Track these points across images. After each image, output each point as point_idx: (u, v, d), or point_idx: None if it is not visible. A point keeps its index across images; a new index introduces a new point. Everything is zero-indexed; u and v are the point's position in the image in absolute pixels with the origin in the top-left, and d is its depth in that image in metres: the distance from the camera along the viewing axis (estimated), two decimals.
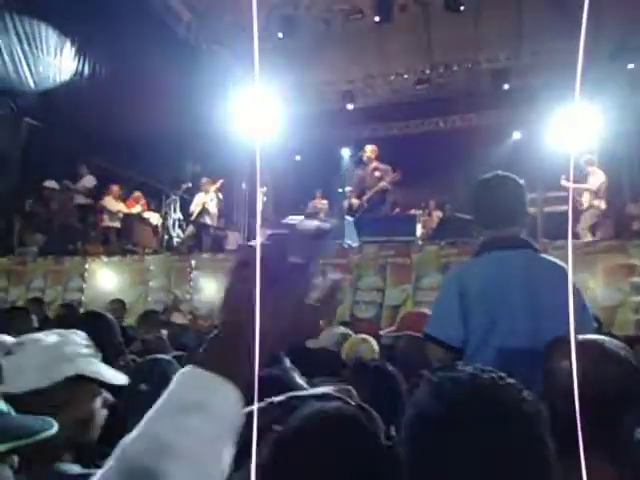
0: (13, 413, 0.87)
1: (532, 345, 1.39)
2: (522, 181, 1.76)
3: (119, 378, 1.17)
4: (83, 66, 8.36)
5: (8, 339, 1.34)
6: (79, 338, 1.17)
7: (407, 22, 8.94)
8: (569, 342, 1.12)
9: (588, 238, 6.00)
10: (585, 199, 6.64)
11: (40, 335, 1.14)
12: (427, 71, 10.23)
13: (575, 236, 5.93)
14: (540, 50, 9.47)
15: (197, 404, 0.43)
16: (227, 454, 0.44)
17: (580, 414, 0.94)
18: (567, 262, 4.32)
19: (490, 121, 11.27)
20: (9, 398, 0.89)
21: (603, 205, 6.62)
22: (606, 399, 0.94)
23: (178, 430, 0.42)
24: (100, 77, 8.70)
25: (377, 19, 8.68)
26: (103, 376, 1.13)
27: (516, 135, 11.25)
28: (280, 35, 8.80)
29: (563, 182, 6.63)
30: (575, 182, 6.59)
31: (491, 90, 10.20)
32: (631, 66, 9.05)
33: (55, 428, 0.85)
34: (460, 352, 1.59)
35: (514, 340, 1.51)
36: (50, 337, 1.13)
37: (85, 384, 1.10)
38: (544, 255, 1.70)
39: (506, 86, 9.76)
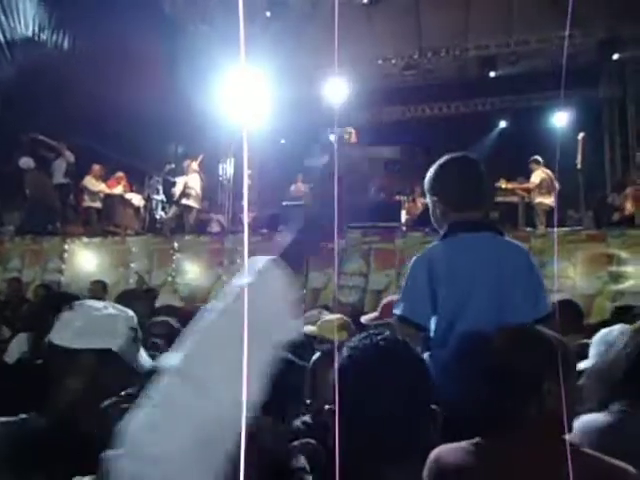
0: None
1: (494, 322, 1.44)
2: (481, 164, 1.76)
3: (146, 366, 1.21)
4: (62, 42, 8.10)
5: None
6: (132, 319, 1.23)
7: (396, 5, 8.84)
8: (514, 331, 1.24)
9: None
10: (533, 196, 7.14)
11: (102, 304, 1.22)
12: (415, 56, 10.15)
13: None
14: (530, 39, 9.47)
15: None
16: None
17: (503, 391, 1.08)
18: (550, 250, 4.36)
19: (477, 109, 11.30)
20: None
21: (547, 200, 7.06)
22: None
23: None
24: (81, 54, 8.45)
25: (365, 1, 8.56)
26: (136, 360, 1.19)
27: (502, 123, 11.32)
28: (268, 14, 8.62)
29: (502, 184, 7.38)
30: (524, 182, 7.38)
31: (479, 77, 10.20)
32: (615, 57, 9.11)
33: None
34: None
35: (480, 321, 1.53)
36: (108, 309, 1.20)
37: (113, 361, 1.14)
38: (507, 238, 1.72)
39: (492, 74, 9.76)
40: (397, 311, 1.66)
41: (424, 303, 1.61)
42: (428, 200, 1.85)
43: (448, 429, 1.18)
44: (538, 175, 7.14)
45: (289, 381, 1.50)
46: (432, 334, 1.63)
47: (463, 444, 1.11)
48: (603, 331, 1.58)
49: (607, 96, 10.20)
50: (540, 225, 6.60)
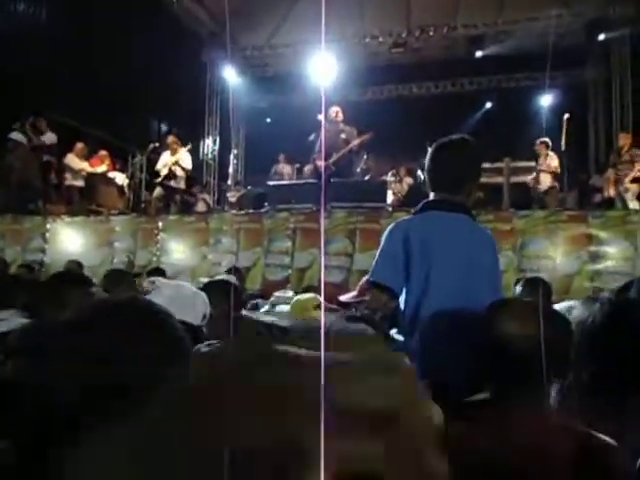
0: None
1: (462, 299, 1.51)
2: (478, 147, 1.79)
3: None
4: (40, 13, 7.85)
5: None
6: (206, 300, 1.33)
7: None
8: (513, 304, 1.24)
9: None
10: (545, 180, 7.01)
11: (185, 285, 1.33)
12: (404, 34, 10.04)
13: (541, 208, 6.20)
14: (519, 18, 9.40)
15: None
16: None
17: (528, 368, 1.05)
18: (531, 230, 4.41)
19: (464, 88, 11.25)
20: None
21: (558, 186, 7.09)
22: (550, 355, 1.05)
23: None
24: (61, 27, 8.21)
25: None
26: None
27: (488, 104, 11.31)
28: None
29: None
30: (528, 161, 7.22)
31: (467, 57, 10.14)
32: (601, 37, 9.11)
33: None
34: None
35: (448, 298, 1.57)
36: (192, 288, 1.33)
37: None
38: (475, 221, 1.79)
39: (479, 53, 9.71)
40: (372, 277, 1.69)
41: (397, 270, 1.64)
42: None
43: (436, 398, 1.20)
44: (555, 158, 7.06)
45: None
46: (402, 306, 1.67)
47: (449, 419, 1.13)
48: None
49: (593, 77, 10.24)
50: (550, 208, 6.55)
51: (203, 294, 1.36)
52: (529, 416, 1.03)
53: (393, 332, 1.69)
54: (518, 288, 2.98)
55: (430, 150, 1.81)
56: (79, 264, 4.81)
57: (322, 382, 0.24)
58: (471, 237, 1.70)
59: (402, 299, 1.66)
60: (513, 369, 1.10)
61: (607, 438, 1.00)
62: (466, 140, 1.79)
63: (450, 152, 1.77)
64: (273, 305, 2.75)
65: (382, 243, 1.73)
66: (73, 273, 2.56)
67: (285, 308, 2.63)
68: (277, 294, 2.84)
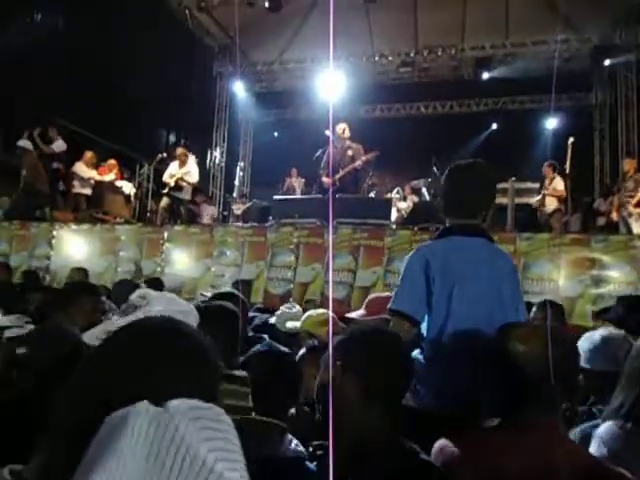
0: None
1: (484, 323, 1.52)
2: (493, 171, 1.82)
3: None
4: (54, 24, 8.01)
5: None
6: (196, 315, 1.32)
7: (394, 3, 8.85)
8: (523, 327, 1.26)
9: None
10: (550, 203, 7.06)
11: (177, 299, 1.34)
12: (412, 54, 10.18)
13: (543, 230, 6.22)
14: (525, 41, 9.53)
15: None
16: None
17: (534, 386, 1.08)
18: (535, 252, 4.42)
19: (470, 109, 11.36)
20: None
21: (563, 209, 7.16)
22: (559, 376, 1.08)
23: None
24: (74, 38, 8.36)
25: None
26: None
27: (494, 125, 11.41)
28: (267, 4, 8.57)
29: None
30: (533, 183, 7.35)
31: (473, 78, 10.25)
32: (607, 62, 9.21)
33: None
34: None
35: (471, 321, 1.59)
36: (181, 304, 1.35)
37: None
38: (496, 245, 1.81)
39: (487, 74, 9.82)
40: (393, 305, 1.70)
41: (419, 297, 1.66)
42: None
43: (446, 422, 1.22)
44: (561, 182, 7.11)
45: (286, 374, 1.54)
46: (425, 331, 1.69)
47: (467, 437, 1.14)
48: (599, 335, 1.64)
49: (599, 102, 10.32)
50: (555, 231, 6.56)
51: (193, 308, 1.35)
52: (540, 439, 1.04)
53: (415, 353, 1.71)
54: (534, 310, 2.98)
55: (445, 174, 1.84)
56: (85, 271, 4.84)
57: None
58: (492, 261, 1.73)
59: (424, 325, 1.68)
60: (522, 391, 1.11)
61: (623, 470, 1.00)
62: (481, 164, 1.81)
63: (466, 176, 1.79)
64: (283, 320, 2.74)
65: (403, 271, 1.75)
66: (84, 283, 2.58)
67: (296, 324, 2.62)
68: (284, 309, 2.83)
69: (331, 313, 2.55)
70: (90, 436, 0.50)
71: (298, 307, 2.87)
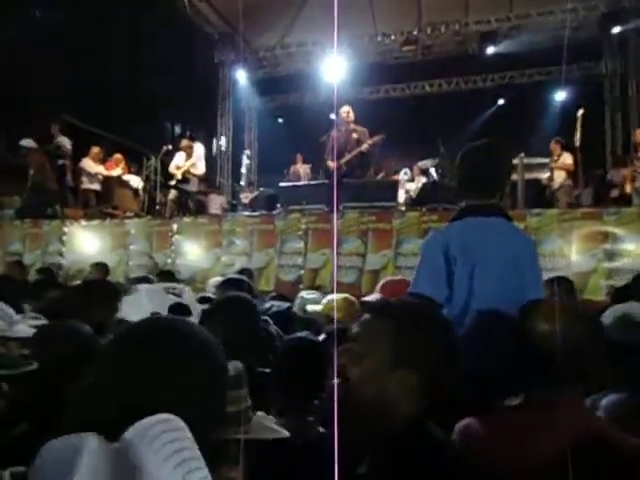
0: None
1: (505, 303, 1.49)
2: (508, 149, 1.80)
3: None
4: (55, 19, 7.99)
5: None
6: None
7: None
8: (546, 306, 1.23)
9: None
10: (558, 177, 6.96)
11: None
12: (415, 32, 9.99)
13: (553, 206, 6.15)
14: (531, 12, 9.29)
15: None
16: None
17: (557, 367, 1.06)
18: (545, 228, 4.37)
19: (477, 85, 11.16)
20: None
21: (572, 183, 7.09)
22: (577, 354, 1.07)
23: None
24: (75, 33, 8.33)
25: None
26: None
27: (501, 100, 11.20)
28: None
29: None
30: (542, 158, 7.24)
31: (478, 53, 10.04)
32: (617, 30, 8.95)
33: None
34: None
35: (491, 301, 1.58)
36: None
37: None
38: (514, 224, 1.80)
39: (492, 49, 9.60)
40: (413, 289, 1.70)
41: (439, 279, 1.66)
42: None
43: (472, 402, 1.21)
44: (570, 157, 7.04)
45: (312, 361, 1.54)
46: (445, 313, 1.67)
47: (490, 416, 1.13)
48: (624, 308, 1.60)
49: (609, 71, 10.05)
50: (563, 206, 6.52)
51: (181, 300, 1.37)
52: (565, 417, 1.02)
53: None
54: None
55: (460, 155, 1.82)
56: (105, 266, 4.91)
57: None
58: (512, 240, 1.72)
59: (445, 308, 1.67)
60: (545, 370, 1.10)
61: None
62: (495, 143, 1.80)
63: (481, 156, 1.78)
64: (303, 305, 2.76)
65: (422, 253, 1.75)
66: (102, 281, 2.59)
67: (317, 308, 2.64)
68: (304, 294, 2.85)
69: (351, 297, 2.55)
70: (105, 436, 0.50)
71: (318, 292, 2.89)
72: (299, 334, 1.86)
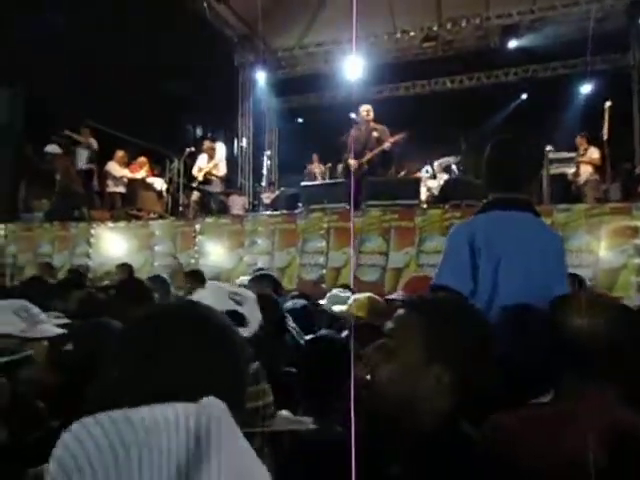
0: None
1: (531, 297, 1.47)
2: (537, 143, 1.78)
3: None
4: (78, 24, 8.16)
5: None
6: None
7: None
8: (578, 300, 1.20)
9: None
10: (585, 171, 6.81)
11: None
12: (435, 27, 9.88)
13: (579, 201, 6.02)
14: (555, 4, 9.09)
15: None
16: None
17: (591, 361, 1.04)
18: (573, 224, 4.28)
19: (499, 80, 10.97)
20: None
21: (598, 178, 6.98)
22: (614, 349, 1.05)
23: None
24: (97, 37, 8.50)
25: None
26: None
27: (524, 95, 10.99)
28: None
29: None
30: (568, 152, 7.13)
31: (500, 47, 9.87)
32: None
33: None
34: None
35: (516, 296, 1.55)
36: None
37: None
38: (541, 219, 1.78)
39: (514, 43, 9.41)
40: (437, 281, 1.68)
41: (464, 272, 1.64)
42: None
43: (501, 397, 1.19)
44: (595, 151, 6.96)
45: (335, 359, 1.54)
46: None
47: (521, 412, 1.11)
48: None
49: (637, 62, 9.76)
50: (590, 201, 6.38)
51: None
52: (598, 412, 1.00)
53: None
54: None
55: (488, 148, 1.80)
56: (130, 267, 5.01)
57: None
58: (539, 235, 1.69)
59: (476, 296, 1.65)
60: (578, 365, 1.07)
61: None
62: (524, 136, 1.79)
63: (509, 149, 1.76)
64: (331, 302, 2.77)
65: (446, 245, 1.73)
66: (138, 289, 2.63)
67: (343, 307, 2.65)
68: (336, 291, 2.86)
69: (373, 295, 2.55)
70: None
71: (349, 292, 2.89)
72: (322, 332, 1.86)
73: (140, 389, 0.59)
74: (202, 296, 1.21)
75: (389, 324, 1.03)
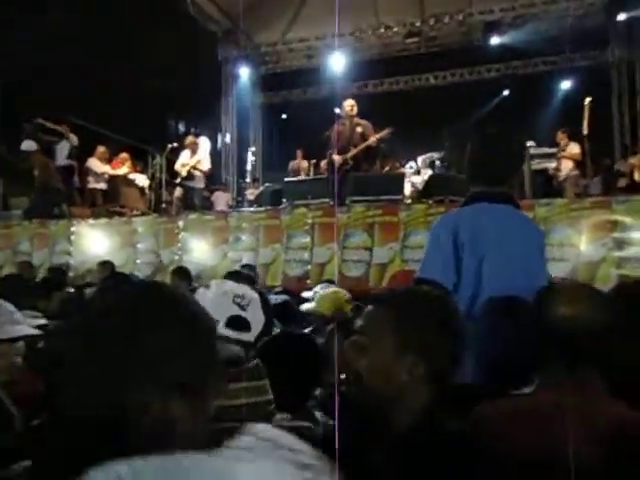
0: None
1: (514, 289, 1.47)
2: (519, 137, 1.79)
3: None
4: (60, 19, 8.00)
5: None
6: None
7: None
8: (562, 289, 1.21)
9: None
10: (565, 167, 6.92)
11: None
12: (418, 23, 9.91)
13: (560, 196, 6.12)
14: (535, 1, 9.18)
15: None
16: None
17: (576, 350, 1.04)
18: (554, 218, 4.34)
19: (482, 76, 11.06)
20: None
21: (579, 173, 7.06)
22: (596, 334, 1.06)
23: None
24: (79, 32, 8.35)
25: None
26: None
27: (506, 91, 11.10)
28: None
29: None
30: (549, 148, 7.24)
31: (483, 44, 9.95)
32: (623, 17, 8.81)
33: None
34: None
35: (501, 288, 1.55)
36: None
37: None
38: (523, 212, 1.82)
39: (496, 39, 9.49)
40: (422, 274, 1.68)
41: (448, 264, 1.64)
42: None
43: (486, 387, 1.19)
44: (575, 146, 7.03)
45: (309, 359, 1.53)
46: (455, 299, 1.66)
47: (505, 403, 1.12)
48: None
49: (616, 59, 9.92)
50: (570, 196, 6.46)
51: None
52: (584, 400, 1.01)
53: None
54: None
55: (471, 141, 1.81)
56: (111, 265, 4.94)
57: None
58: (521, 229, 1.72)
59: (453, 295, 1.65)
60: (564, 353, 1.08)
61: None
62: (507, 130, 1.80)
63: (492, 142, 1.78)
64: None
65: (429, 238, 1.73)
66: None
67: (310, 306, 2.56)
68: (318, 289, 2.79)
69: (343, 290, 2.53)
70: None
71: (332, 286, 2.82)
72: (283, 330, 1.84)
73: (119, 369, 0.59)
74: (205, 298, 1.18)
75: (359, 321, 1.04)
